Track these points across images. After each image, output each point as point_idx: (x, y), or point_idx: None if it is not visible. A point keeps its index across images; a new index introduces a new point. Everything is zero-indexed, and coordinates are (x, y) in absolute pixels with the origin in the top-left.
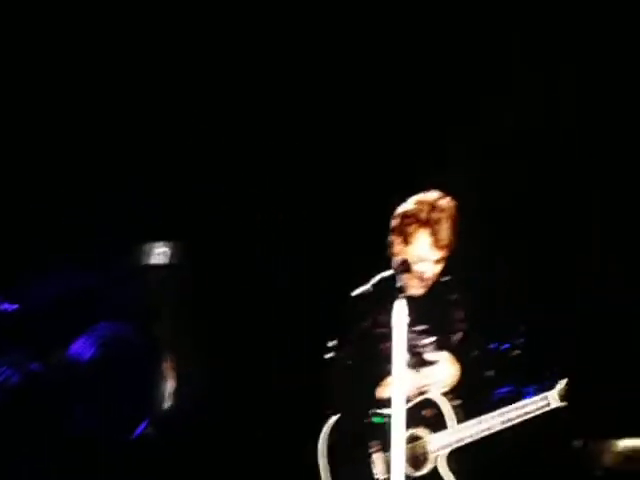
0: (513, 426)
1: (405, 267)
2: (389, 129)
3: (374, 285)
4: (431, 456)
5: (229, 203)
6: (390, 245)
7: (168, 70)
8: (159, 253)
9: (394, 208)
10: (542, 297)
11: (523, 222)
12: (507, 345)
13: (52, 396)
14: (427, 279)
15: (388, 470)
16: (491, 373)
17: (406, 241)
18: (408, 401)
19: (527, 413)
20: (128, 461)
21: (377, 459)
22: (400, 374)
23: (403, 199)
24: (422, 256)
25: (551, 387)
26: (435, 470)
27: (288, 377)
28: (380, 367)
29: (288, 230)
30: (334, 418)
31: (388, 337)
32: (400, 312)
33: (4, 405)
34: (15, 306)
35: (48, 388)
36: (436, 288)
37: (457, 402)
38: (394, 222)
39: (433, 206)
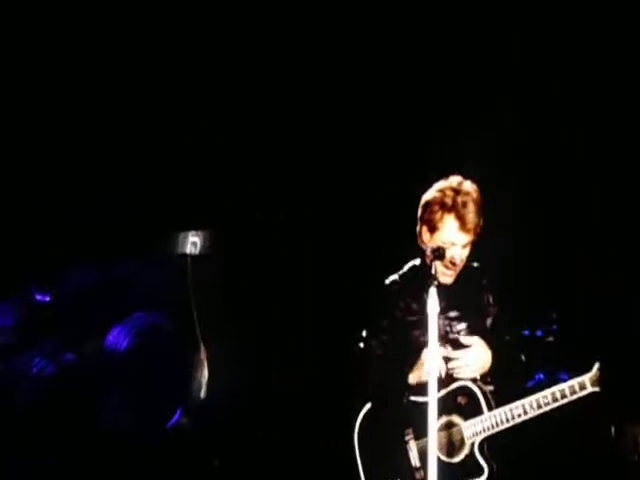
0: (548, 411)
1: (439, 253)
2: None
3: (405, 273)
4: (466, 442)
5: (260, 191)
6: (419, 234)
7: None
8: (192, 242)
9: (421, 195)
10: (575, 283)
11: (557, 206)
12: (540, 331)
13: (87, 386)
14: (457, 265)
15: (422, 457)
16: (524, 359)
17: (433, 228)
18: (442, 388)
19: (562, 398)
20: (162, 450)
21: (411, 446)
22: (433, 361)
23: (428, 186)
24: (450, 241)
25: (585, 372)
26: (470, 456)
27: (321, 366)
28: (412, 355)
29: (319, 220)
30: (367, 407)
31: (420, 325)
32: (432, 299)
33: (39, 395)
34: (49, 297)
35: (83, 378)
36: (466, 274)
37: (491, 388)
38: (420, 211)
39: (457, 191)
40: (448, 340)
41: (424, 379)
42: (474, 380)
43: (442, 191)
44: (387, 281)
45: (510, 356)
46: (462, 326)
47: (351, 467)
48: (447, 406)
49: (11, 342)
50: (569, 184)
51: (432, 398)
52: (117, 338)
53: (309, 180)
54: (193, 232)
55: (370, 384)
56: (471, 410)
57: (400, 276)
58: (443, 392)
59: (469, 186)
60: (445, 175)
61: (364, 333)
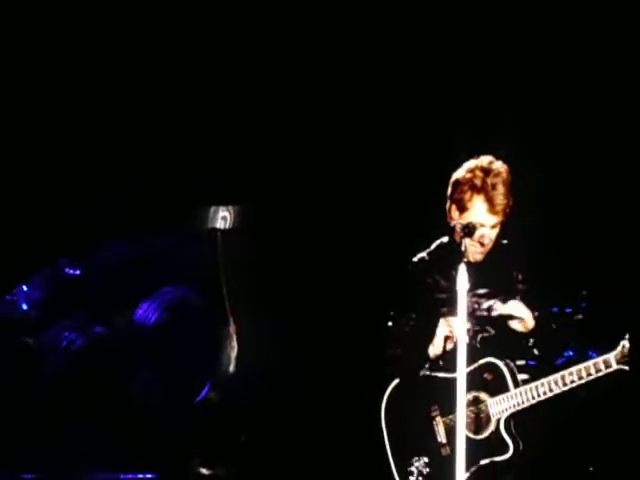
0: (574, 388)
1: (469, 230)
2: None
3: (433, 251)
4: (492, 419)
5: (292, 166)
6: (448, 212)
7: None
8: (222, 217)
9: (450, 173)
10: (605, 260)
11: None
12: (569, 308)
13: (116, 359)
14: (486, 245)
15: (449, 433)
16: (554, 335)
17: (462, 208)
18: (469, 364)
19: (587, 376)
20: (191, 424)
21: (438, 422)
22: (462, 338)
23: (458, 164)
24: (479, 222)
25: (612, 349)
26: (496, 433)
27: (351, 343)
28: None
29: (350, 197)
30: (394, 383)
31: (448, 302)
32: (462, 276)
33: (69, 368)
34: (79, 270)
35: (112, 351)
36: (495, 251)
37: (518, 364)
38: (449, 190)
39: (487, 171)
40: (476, 316)
41: (440, 350)
42: (501, 357)
43: (472, 171)
44: (415, 259)
45: (539, 332)
46: (490, 303)
47: (378, 443)
48: (474, 382)
49: (41, 315)
50: (602, 160)
51: (461, 374)
52: (146, 312)
53: (340, 157)
54: (223, 207)
55: (398, 361)
56: (497, 387)
57: (428, 253)
58: (470, 368)
59: (500, 166)
60: (476, 154)
61: (392, 311)
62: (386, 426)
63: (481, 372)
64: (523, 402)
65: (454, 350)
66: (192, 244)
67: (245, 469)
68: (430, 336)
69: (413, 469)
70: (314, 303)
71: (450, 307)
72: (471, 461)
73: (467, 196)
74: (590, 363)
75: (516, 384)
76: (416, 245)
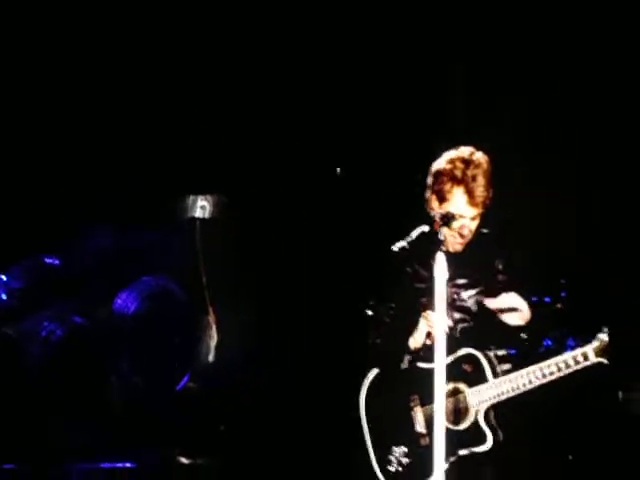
0: (553, 380)
1: (448, 219)
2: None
3: (413, 240)
4: (471, 410)
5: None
6: (428, 202)
7: None
8: (201, 206)
9: (431, 162)
10: (585, 250)
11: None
12: (549, 298)
13: (96, 349)
14: (465, 236)
15: (428, 424)
16: (533, 325)
17: (442, 199)
18: (448, 354)
19: (566, 368)
20: (171, 413)
21: (417, 412)
22: (441, 328)
23: (439, 154)
24: (458, 213)
25: (591, 339)
26: (475, 424)
27: (329, 332)
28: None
29: (329, 186)
30: (374, 372)
31: (428, 291)
32: (440, 265)
33: (48, 358)
34: (59, 260)
35: (92, 341)
36: (475, 241)
37: (498, 355)
38: (429, 180)
39: (467, 162)
40: (455, 307)
41: (420, 344)
42: (481, 347)
43: (452, 162)
44: (395, 248)
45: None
46: (470, 293)
47: (358, 432)
48: (453, 373)
49: (21, 305)
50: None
51: (440, 365)
52: (126, 302)
53: (320, 146)
54: (202, 196)
55: (377, 350)
56: (476, 378)
57: (409, 243)
58: (449, 359)
59: (480, 157)
60: (456, 144)
61: (372, 300)
62: (366, 415)
63: (460, 363)
64: (502, 393)
65: (434, 343)
66: (171, 234)
67: (225, 458)
68: (410, 326)
69: (392, 458)
70: (293, 292)
71: (430, 297)
72: (450, 451)
73: (447, 187)
74: (569, 356)
75: (495, 375)
76: (397, 234)
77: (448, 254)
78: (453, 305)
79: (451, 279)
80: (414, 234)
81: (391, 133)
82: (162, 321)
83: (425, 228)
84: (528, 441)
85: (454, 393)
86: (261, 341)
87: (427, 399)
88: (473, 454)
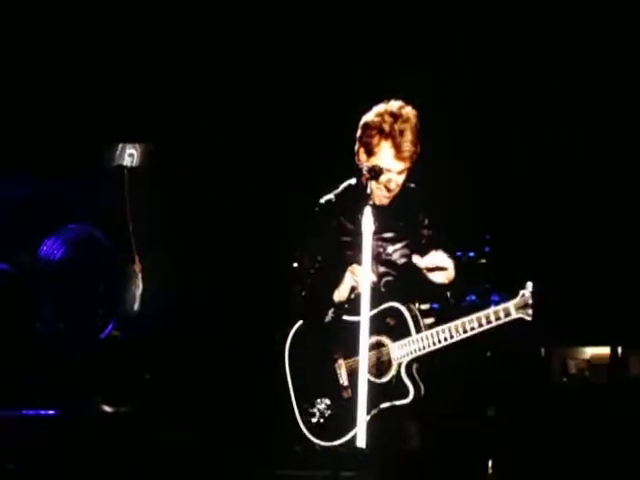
0: (475, 335)
1: (375, 173)
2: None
3: (340, 193)
4: (394, 364)
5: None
6: (356, 154)
7: None
8: (129, 154)
9: (360, 114)
10: (509, 205)
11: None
12: (473, 252)
13: (21, 296)
14: (392, 190)
15: (350, 376)
16: (457, 279)
17: (370, 152)
18: (372, 308)
19: (487, 323)
20: (95, 361)
21: (340, 365)
22: (366, 281)
23: (368, 106)
24: (385, 167)
25: (513, 297)
26: (397, 377)
27: (254, 283)
28: (344, 274)
29: (256, 136)
30: (298, 324)
31: (353, 245)
32: (367, 219)
33: None
34: None
35: (17, 288)
36: (401, 195)
37: (421, 309)
38: (358, 132)
39: (395, 116)
40: (381, 260)
41: (345, 296)
42: (405, 301)
43: (381, 115)
44: (322, 200)
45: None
46: (396, 247)
47: (281, 384)
48: (376, 326)
49: None
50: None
51: (364, 317)
52: (51, 248)
53: (247, 97)
54: (130, 144)
55: (302, 302)
56: (399, 331)
57: (335, 195)
58: (373, 312)
59: (409, 111)
60: (386, 98)
61: (298, 251)
62: (289, 367)
63: (383, 316)
64: (424, 347)
65: (359, 296)
66: (98, 181)
67: (148, 407)
68: (335, 279)
69: (315, 410)
70: (219, 241)
71: (355, 250)
72: (372, 404)
73: (375, 141)
74: (490, 311)
75: (418, 329)
76: (323, 186)
77: (375, 207)
78: (378, 259)
79: (377, 233)
80: (341, 187)
81: (319, 86)
82: (87, 268)
83: (352, 181)
84: (449, 395)
85: (377, 346)
86: (186, 291)
87: (350, 352)
88: (395, 407)
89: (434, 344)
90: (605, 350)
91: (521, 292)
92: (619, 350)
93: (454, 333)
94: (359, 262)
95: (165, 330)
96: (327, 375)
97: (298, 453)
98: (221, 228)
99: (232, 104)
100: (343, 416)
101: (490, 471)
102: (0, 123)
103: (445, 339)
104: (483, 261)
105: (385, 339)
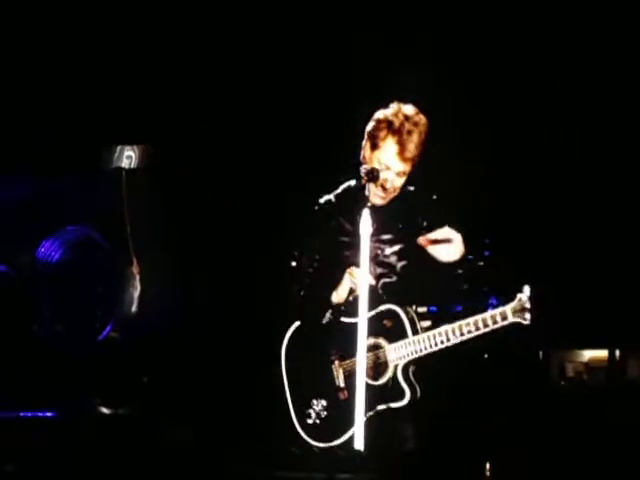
0: (472, 338)
1: (373, 175)
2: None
3: (339, 194)
4: (390, 366)
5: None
6: (363, 149)
7: None
8: (127, 156)
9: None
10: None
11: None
12: (472, 255)
13: (19, 298)
14: (388, 190)
15: (346, 378)
16: (454, 282)
17: (374, 145)
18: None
19: (484, 327)
20: (93, 362)
21: (337, 367)
22: (364, 282)
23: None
24: (387, 163)
25: (510, 301)
26: (393, 380)
27: (254, 283)
28: (342, 275)
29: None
30: (295, 325)
31: (351, 246)
32: (365, 220)
33: None
34: None
35: (15, 290)
36: (400, 198)
37: (419, 312)
38: (369, 126)
39: (408, 117)
40: (378, 262)
41: (343, 298)
42: (401, 303)
43: (395, 113)
44: (321, 200)
45: (441, 279)
46: (394, 249)
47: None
48: (373, 328)
49: None
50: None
51: (362, 319)
52: (49, 250)
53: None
54: (128, 146)
55: (299, 302)
56: (396, 333)
57: (335, 196)
58: (370, 314)
59: (422, 118)
60: (403, 101)
61: (296, 251)
62: (286, 368)
63: (380, 318)
64: (420, 350)
65: (356, 298)
66: (97, 183)
67: (147, 409)
68: (333, 279)
69: (311, 412)
70: (219, 242)
71: (353, 251)
72: (368, 406)
73: (382, 134)
74: (487, 314)
75: (415, 332)
76: (323, 187)
77: (373, 209)
78: (376, 260)
79: (375, 234)
80: (341, 188)
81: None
82: (85, 270)
83: (352, 182)
84: (446, 398)
85: (374, 348)
86: (184, 292)
87: (347, 354)
88: (391, 409)
89: (430, 347)
90: (603, 353)
91: (518, 296)
92: (617, 353)
93: (451, 336)
94: (357, 263)
95: (163, 331)
96: (324, 376)
97: (296, 454)
98: (221, 228)
99: (232, 104)
100: (339, 418)
101: (487, 474)
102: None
103: (442, 342)
104: (481, 264)
105: (382, 341)
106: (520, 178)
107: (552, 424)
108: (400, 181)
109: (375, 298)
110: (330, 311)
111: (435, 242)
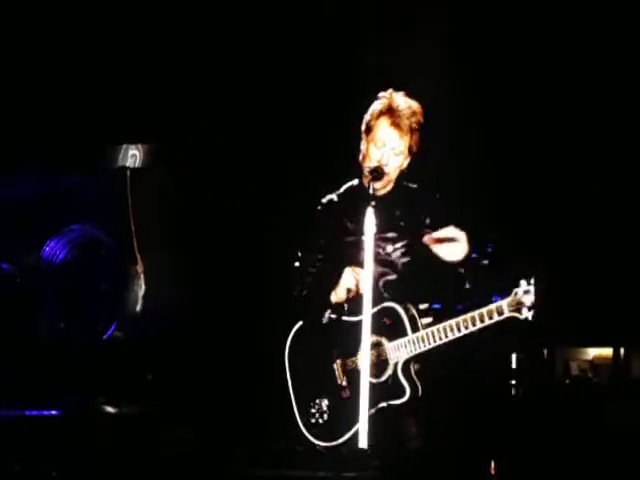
0: (471, 334)
1: (378, 173)
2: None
3: (342, 193)
4: (390, 363)
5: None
6: (361, 148)
7: None
8: (131, 155)
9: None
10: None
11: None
12: (475, 253)
13: (24, 297)
14: (388, 174)
15: (348, 376)
16: (458, 279)
17: (368, 130)
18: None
19: (481, 322)
20: (97, 361)
21: (338, 365)
22: (368, 281)
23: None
24: (382, 141)
25: (507, 296)
26: (394, 377)
27: (258, 282)
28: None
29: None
30: (299, 324)
31: (355, 245)
32: (369, 219)
33: None
34: None
35: (20, 289)
36: (403, 195)
37: (419, 309)
38: (364, 120)
39: (400, 100)
40: (379, 260)
41: (342, 298)
42: (403, 301)
43: (386, 97)
44: (324, 200)
45: (443, 277)
46: (396, 247)
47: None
48: (373, 326)
49: None
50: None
51: (366, 317)
52: (54, 249)
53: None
54: (133, 145)
55: (302, 302)
56: (395, 331)
57: (338, 195)
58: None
59: (415, 105)
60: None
61: (299, 251)
62: (289, 367)
63: (380, 316)
64: (420, 347)
65: (356, 297)
66: (101, 182)
67: (151, 407)
68: (335, 280)
69: (314, 410)
70: (221, 241)
71: (356, 250)
72: (369, 404)
73: (375, 115)
74: (484, 310)
75: (415, 329)
76: (323, 187)
77: (376, 207)
78: (377, 259)
79: (377, 232)
80: (343, 188)
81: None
82: (90, 269)
83: (355, 182)
84: (446, 394)
85: (374, 346)
86: (187, 291)
87: (348, 352)
88: (392, 407)
89: (429, 344)
90: (608, 351)
91: (514, 290)
92: (622, 351)
93: (449, 333)
94: (359, 262)
95: (167, 330)
96: (326, 375)
97: (299, 453)
98: (221, 227)
99: (232, 104)
100: (342, 416)
101: (492, 472)
102: (4, 124)
103: (440, 338)
104: (485, 262)
105: (382, 339)
106: (525, 177)
107: (556, 421)
108: (397, 160)
109: (376, 296)
110: (330, 310)
111: (440, 241)
